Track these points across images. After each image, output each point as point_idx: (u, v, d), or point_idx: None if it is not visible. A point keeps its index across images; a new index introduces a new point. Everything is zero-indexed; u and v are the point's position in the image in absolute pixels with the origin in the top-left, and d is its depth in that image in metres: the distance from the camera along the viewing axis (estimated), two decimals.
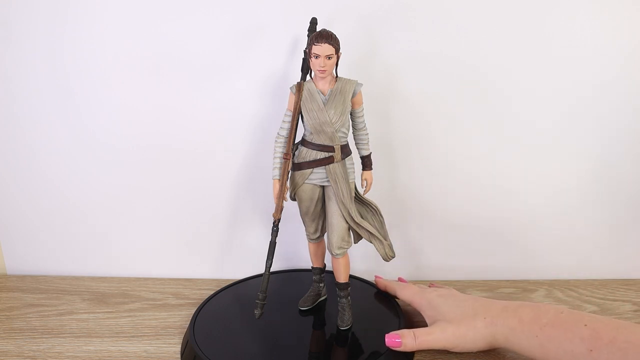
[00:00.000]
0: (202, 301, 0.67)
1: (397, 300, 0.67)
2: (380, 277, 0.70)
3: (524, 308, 0.53)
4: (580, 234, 0.76)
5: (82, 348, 0.61)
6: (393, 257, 0.60)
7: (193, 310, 0.65)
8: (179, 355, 0.60)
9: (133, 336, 0.64)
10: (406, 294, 0.64)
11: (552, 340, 0.48)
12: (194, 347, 0.57)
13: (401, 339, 0.54)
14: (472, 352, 0.59)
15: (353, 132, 0.60)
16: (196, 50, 0.70)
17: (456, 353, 0.59)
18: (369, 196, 0.62)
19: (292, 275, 0.76)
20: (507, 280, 0.77)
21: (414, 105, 0.71)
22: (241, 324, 0.62)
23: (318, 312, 0.66)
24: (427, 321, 0.59)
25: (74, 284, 0.78)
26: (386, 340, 0.55)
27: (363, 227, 0.59)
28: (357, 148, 0.61)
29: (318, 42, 0.53)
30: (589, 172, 0.73)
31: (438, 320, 0.57)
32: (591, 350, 0.45)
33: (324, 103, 0.56)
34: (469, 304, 0.57)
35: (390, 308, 0.66)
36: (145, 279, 0.79)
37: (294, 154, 0.59)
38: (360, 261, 0.74)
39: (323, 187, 0.60)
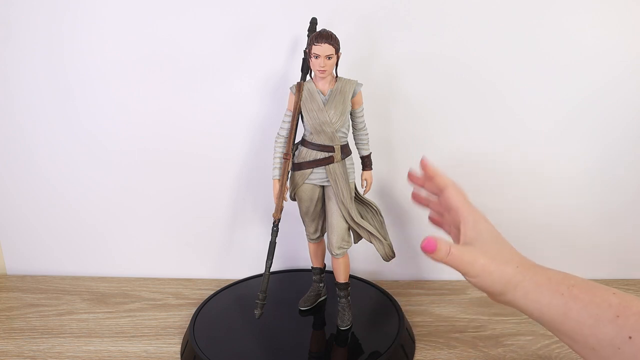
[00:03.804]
0: (202, 301, 0.67)
1: (397, 300, 0.67)
2: (427, 161, 0.55)
3: (552, 270, 0.51)
4: (580, 234, 0.76)
5: (82, 348, 0.61)
6: (393, 257, 0.60)
7: (193, 310, 0.66)
8: (179, 355, 0.60)
9: (133, 336, 0.64)
10: (456, 198, 0.54)
11: (579, 301, 0.46)
12: (194, 347, 0.57)
13: (437, 245, 0.49)
14: (472, 352, 0.59)
15: (353, 132, 0.60)
16: (196, 50, 0.70)
17: (456, 352, 0.59)
18: (368, 196, 0.62)
19: (292, 275, 0.76)
20: None
21: (414, 105, 0.71)
22: (241, 324, 0.62)
23: (318, 312, 0.66)
24: (461, 236, 0.53)
25: (74, 284, 0.78)
26: (425, 241, 0.49)
27: (363, 227, 0.59)
28: (357, 148, 0.61)
29: (318, 42, 0.53)
30: (589, 173, 0.73)
31: (471, 244, 0.52)
32: (618, 317, 0.43)
33: (324, 103, 0.56)
34: (507, 246, 0.53)
35: (390, 308, 0.66)
36: (145, 279, 0.79)
37: (294, 154, 0.59)
38: (361, 261, 0.74)
39: (323, 187, 0.60)
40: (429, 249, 0.49)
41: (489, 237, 0.53)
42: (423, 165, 0.55)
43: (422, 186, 0.56)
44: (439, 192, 0.54)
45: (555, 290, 0.48)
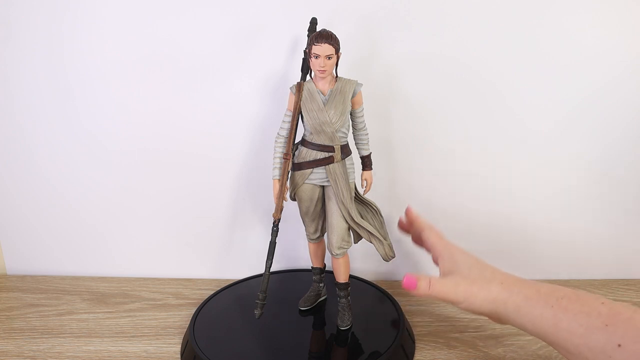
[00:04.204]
0: (202, 301, 0.67)
1: (397, 300, 0.67)
2: (412, 209, 0.65)
3: (540, 283, 0.52)
4: (580, 234, 0.76)
5: (82, 348, 0.61)
6: (393, 257, 0.60)
7: (193, 310, 0.66)
8: (179, 355, 0.60)
9: (133, 336, 0.64)
10: (431, 238, 0.60)
11: (568, 312, 0.47)
12: (194, 347, 0.57)
13: (417, 282, 0.53)
14: (472, 352, 0.59)
15: (353, 132, 0.60)
16: (196, 50, 0.70)
17: (456, 352, 0.59)
18: (369, 196, 0.62)
19: (292, 275, 0.76)
20: None
21: (414, 105, 0.71)
22: (241, 324, 0.63)
23: (318, 312, 0.66)
24: (441, 270, 0.57)
25: (74, 284, 0.78)
26: (404, 280, 0.53)
27: (363, 227, 0.59)
28: (357, 148, 0.61)
29: (318, 42, 0.53)
30: (589, 173, 0.73)
31: (453, 272, 0.55)
32: (607, 325, 0.44)
33: (324, 103, 0.56)
34: (489, 268, 0.56)
35: (390, 308, 0.66)
36: (145, 279, 0.79)
37: (294, 154, 0.59)
38: (360, 261, 0.74)
39: (323, 187, 0.60)
40: (410, 286, 0.53)
41: (466, 264, 0.56)
42: (407, 211, 0.64)
43: (409, 232, 0.64)
44: (419, 234, 0.62)
45: (545, 303, 0.49)
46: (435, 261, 0.59)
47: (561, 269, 0.78)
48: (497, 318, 0.53)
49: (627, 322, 0.43)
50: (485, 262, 0.57)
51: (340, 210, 0.58)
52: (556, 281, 0.77)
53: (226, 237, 0.78)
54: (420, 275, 0.53)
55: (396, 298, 0.68)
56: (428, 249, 0.61)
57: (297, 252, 0.77)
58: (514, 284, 0.52)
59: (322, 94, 0.56)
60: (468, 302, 0.53)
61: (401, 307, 0.65)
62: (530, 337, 0.62)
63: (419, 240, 0.64)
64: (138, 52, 0.70)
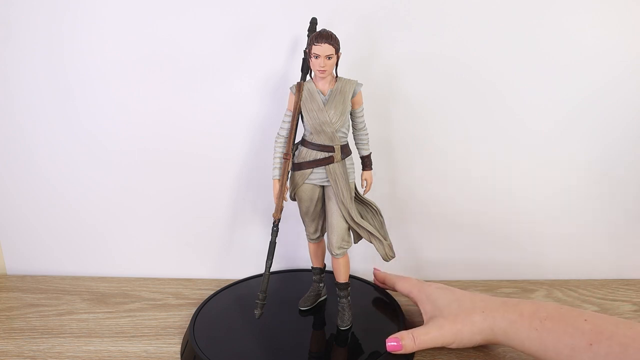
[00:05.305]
0: (202, 301, 0.67)
1: (397, 300, 0.67)
2: (378, 270, 0.71)
3: (523, 303, 0.53)
4: (580, 234, 0.76)
5: (82, 348, 0.61)
6: (393, 257, 0.60)
7: (193, 310, 0.66)
8: (179, 355, 0.60)
9: (133, 336, 0.64)
10: (405, 287, 0.64)
11: (552, 333, 0.47)
12: (194, 347, 0.57)
13: (401, 342, 0.54)
14: (472, 352, 0.59)
15: (353, 132, 0.60)
16: (196, 50, 0.70)
17: (456, 352, 0.59)
18: (369, 196, 0.62)
19: (292, 275, 0.76)
20: (507, 280, 0.77)
21: (414, 105, 0.71)
22: (241, 324, 0.62)
23: (318, 312, 0.66)
24: (424, 315, 0.59)
25: (74, 284, 0.78)
26: (386, 344, 0.54)
27: (363, 227, 0.59)
28: (357, 148, 0.61)
29: (318, 42, 0.53)
30: (589, 173, 0.73)
31: (435, 316, 0.56)
32: (591, 345, 0.44)
33: (324, 103, 0.56)
34: (467, 298, 0.57)
35: (390, 308, 0.66)
36: (145, 279, 0.79)
37: (294, 154, 0.59)
38: (360, 261, 0.74)
39: (323, 187, 0.60)
40: (396, 348, 0.54)
41: (445, 301, 0.57)
42: (374, 275, 0.71)
43: (386, 288, 0.69)
44: (393, 288, 0.67)
45: (530, 326, 0.50)
46: (417, 306, 0.61)
47: (561, 269, 0.78)
48: (490, 343, 0.54)
49: (610, 339, 0.44)
50: (462, 291, 0.59)
51: (340, 210, 0.58)
52: (556, 281, 0.77)
53: (226, 237, 0.78)
54: (402, 333, 0.55)
55: (396, 298, 0.68)
56: (407, 297, 0.64)
57: (297, 252, 0.77)
58: (496, 310, 0.53)
59: (322, 94, 0.56)
60: (457, 340, 0.54)
61: (401, 307, 0.65)
62: None
63: (379, 284, 0.70)
64: (138, 52, 0.70)
